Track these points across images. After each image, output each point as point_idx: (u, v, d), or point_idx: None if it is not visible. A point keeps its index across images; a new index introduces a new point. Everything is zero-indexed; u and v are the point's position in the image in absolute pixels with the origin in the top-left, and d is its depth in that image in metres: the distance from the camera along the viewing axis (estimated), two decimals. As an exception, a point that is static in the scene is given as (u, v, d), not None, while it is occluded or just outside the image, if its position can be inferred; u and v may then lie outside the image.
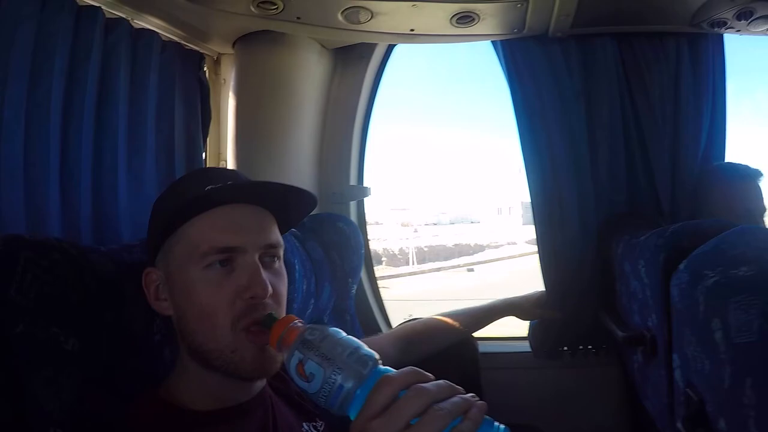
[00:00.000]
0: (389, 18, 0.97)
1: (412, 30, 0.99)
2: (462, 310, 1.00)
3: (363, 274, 1.26)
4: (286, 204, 0.57)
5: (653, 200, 1.06)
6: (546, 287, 1.07)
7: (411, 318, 1.03)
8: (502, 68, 1.06)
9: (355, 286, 1.13)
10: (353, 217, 1.29)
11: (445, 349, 0.95)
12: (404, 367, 0.40)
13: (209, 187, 0.51)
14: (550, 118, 1.01)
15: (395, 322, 1.28)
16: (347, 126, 1.28)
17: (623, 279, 0.93)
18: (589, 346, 1.12)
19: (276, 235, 0.56)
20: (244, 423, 0.54)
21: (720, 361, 0.54)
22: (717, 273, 0.55)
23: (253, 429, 0.54)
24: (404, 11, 0.95)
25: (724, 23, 1.06)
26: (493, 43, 1.06)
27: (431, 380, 0.39)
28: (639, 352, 0.89)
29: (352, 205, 1.31)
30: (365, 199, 1.35)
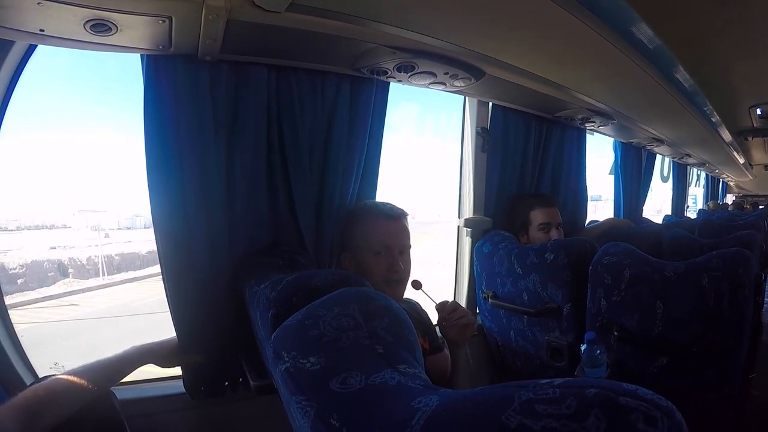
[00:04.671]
0: (15, 12, 0.84)
1: (41, 30, 0.87)
2: (91, 364, 0.88)
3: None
4: None
5: (296, 234, 1.08)
6: (178, 335, 0.99)
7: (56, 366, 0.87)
8: (144, 85, 0.92)
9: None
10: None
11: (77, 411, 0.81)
12: None
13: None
14: (185, 148, 0.93)
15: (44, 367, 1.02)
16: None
17: (256, 326, 0.84)
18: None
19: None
20: None
21: None
22: (290, 359, 0.48)
23: None
24: (30, 8, 0.83)
25: (386, 72, 1.13)
26: (141, 56, 0.93)
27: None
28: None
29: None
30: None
